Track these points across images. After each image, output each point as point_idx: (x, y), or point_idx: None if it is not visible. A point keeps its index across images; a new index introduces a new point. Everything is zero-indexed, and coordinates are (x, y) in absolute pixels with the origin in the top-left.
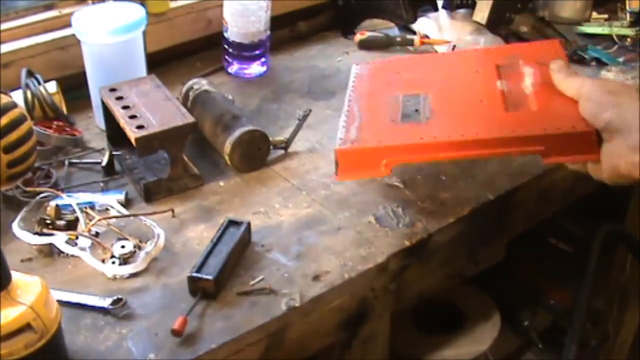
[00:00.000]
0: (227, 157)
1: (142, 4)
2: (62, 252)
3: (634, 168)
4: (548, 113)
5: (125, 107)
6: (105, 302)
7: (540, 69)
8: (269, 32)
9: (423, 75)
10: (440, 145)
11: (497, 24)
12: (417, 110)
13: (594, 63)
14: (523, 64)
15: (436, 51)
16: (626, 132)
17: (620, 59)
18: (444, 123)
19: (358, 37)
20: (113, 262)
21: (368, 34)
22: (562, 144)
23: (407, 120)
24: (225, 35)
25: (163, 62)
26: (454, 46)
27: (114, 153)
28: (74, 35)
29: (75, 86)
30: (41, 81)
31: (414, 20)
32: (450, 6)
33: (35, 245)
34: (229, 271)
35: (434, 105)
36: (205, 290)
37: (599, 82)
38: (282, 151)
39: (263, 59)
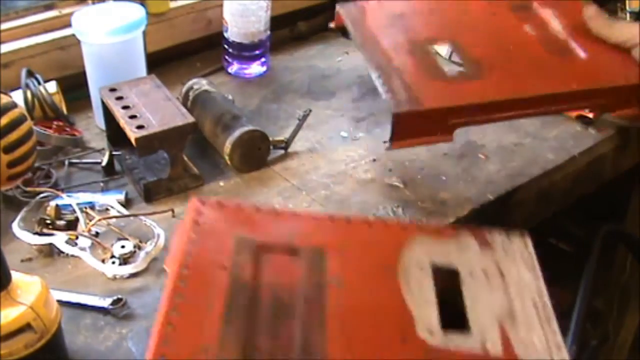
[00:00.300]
0: (227, 157)
1: (142, 4)
2: (62, 252)
3: None
4: (600, 62)
5: (125, 107)
6: (105, 302)
7: (560, 11)
8: (269, 32)
9: (436, 19)
10: (509, 104)
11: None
12: (458, 63)
13: None
14: (538, 6)
15: None
16: None
17: None
18: (501, 77)
19: None
20: (113, 262)
21: None
22: (626, 96)
23: (455, 75)
24: (225, 35)
25: (163, 62)
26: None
27: (114, 153)
28: (74, 35)
29: (75, 86)
30: (41, 81)
31: None
32: None
33: (35, 245)
34: None
35: (472, 56)
36: None
37: None
38: (282, 151)
39: (263, 59)
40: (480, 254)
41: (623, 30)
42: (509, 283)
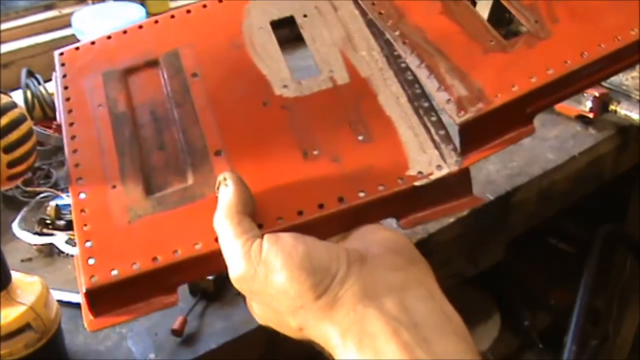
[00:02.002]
0: None
1: (142, 4)
2: (62, 252)
3: None
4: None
5: None
6: None
7: None
8: None
9: None
10: (576, 74)
11: (497, 24)
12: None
13: None
14: None
15: None
16: None
17: None
18: (571, 32)
19: None
20: None
21: None
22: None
23: (515, 40)
24: None
25: None
26: None
27: None
28: (74, 35)
29: None
30: (41, 81)
31: None
32: None
33: (35, 245)
34: None
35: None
36: (205, 290)
37: None
38: None
39: None
40: None
41: None
42: (341, 10)
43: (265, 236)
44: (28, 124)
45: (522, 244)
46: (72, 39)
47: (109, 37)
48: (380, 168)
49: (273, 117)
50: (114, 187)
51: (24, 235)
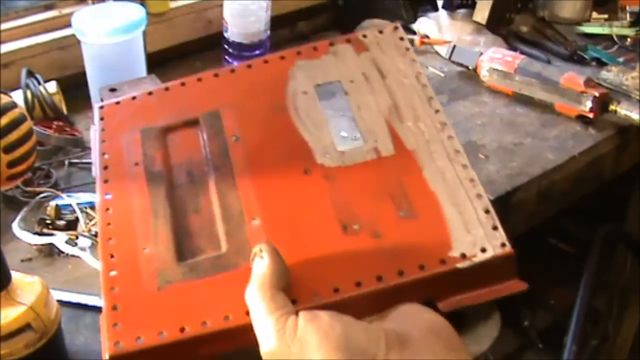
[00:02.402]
0: None
1: (142, 4)
2: (62, 252)
3: None
4: None
5: None
6: None
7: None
8: (269, 32)
9: None
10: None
11: (497, 24)
12: None
13: (594, 63)
14: None
15: (436, 52)
16: None
17: (620, 59)
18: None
19: None
20: None
21: None
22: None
23: None
24: (225, 35)
25: (163, 62)
26: (454, 46)
27: None
28: (74, 35)
29: (75, 86)
30: (41, 81)
31: (414, 20)
32: (450, 6)
33: (35, 245)
34: None
35: None
36: None
37: None
38: None
39: None
40: (358, 59)
41: None
42: (389, 78)
43: (301, 313)
44: (28, 124)
45: (522, 244)
46: (72, 39)
47: (150, 93)
48: (422, 247)
49: (313, 186)
50: (145, 250)
51: (24, 235)
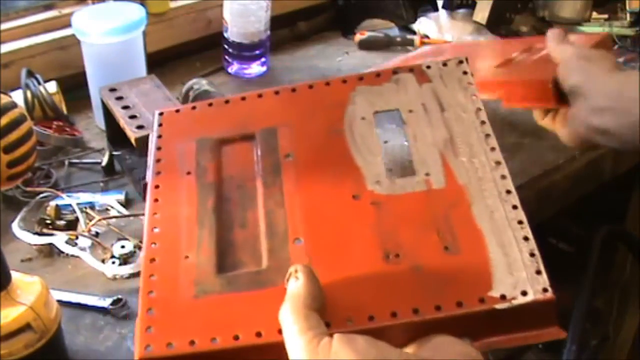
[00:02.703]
0: None
1: (142, 4)
2: (62, 252)
3: (593, 132)
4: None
5: (125, 107)
6: (105, 302)
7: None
8: (269, 32)
9: None
10: None
11: (497, 24)
12: None
13: None
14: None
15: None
16: (588, 97)
17: (620, 59)
18: None
19: (358, 37)
20: (113, 262)
21: (368, 34)
22: (521, 91)
23: None
24: (225, 35)
25: (163, 62)
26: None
27: (114, 153)
28: (74, 35)
29: (75, 86)
30: (41, 81)
31: (414, 20)
32: (450, 6)
33: (35, 245)
34: None
35: None
36: None
37: (579, 49)
38: None
39: (263, 59)
40: (419, 89)
41: (560, 49)
42: (448, 111)
43: (336, 335)
44: (28, 124)
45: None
46: (72, 39)
47: (210, 105)
48: (461, 283)
49: (360, 212)
50: (187, 257)
51: (24, 235)
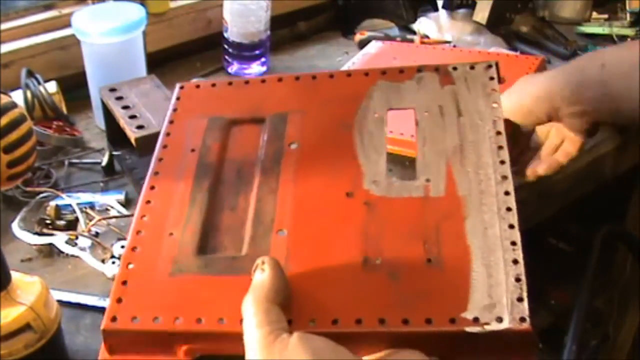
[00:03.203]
0: None
1: (142, 4)
2: (62, 252)
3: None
4: None
5: (125, 107)
6: (105, 302)
7: None
8: (269, 32)
9: None
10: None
11: (497, 24)
12: None
13: None
14: None
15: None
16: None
17: None
18: None
19: (358, 37)
20: (113, 262)
21: (368, 34)
22: None
23: None
24: (225, 35)
25: (163, 62)
26: (454, 47)
27: (114, 153)
28: (74, 35)
29: (75, 86)
30: (41, 81)
31: (414, 20)
32: (450, 6)
33: (35, 245)
34: None
35: None
36: None
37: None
38: None
39: (263, 59)
40: (440, 91)
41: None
42: (464, 117)
43: (296, 333)
44: (28, 124)
45: (522, 244)
46: (72, 39)
47: (230, 83)
48: (436, 300)
49: (351, 210)
50: (171, 234)
51: (24, 235)
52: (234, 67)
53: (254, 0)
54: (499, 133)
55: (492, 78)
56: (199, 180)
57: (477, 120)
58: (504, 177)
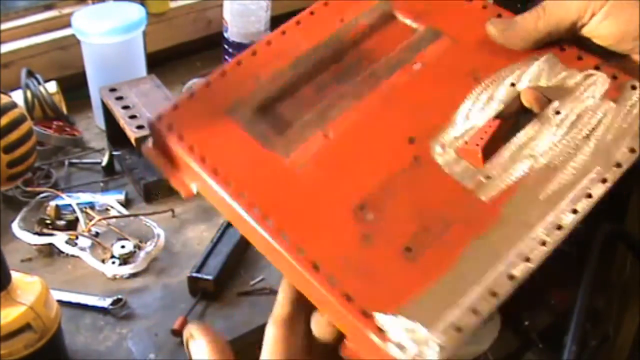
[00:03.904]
0: None
1: (142, 4)
2: (62, 252)
3: None
4: None
5: (125, 107)
6: (105, 302)
7: None
8: (268, 32)
9: None
10: None
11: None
12: None
13: None
14: None
15: None
16: None
17: None
18: None
19: None
20: (113, 262)
21: None
22: None
23: None
24: (225, 35)
25: (163, 62)
26: None
27: (114, 153)
28: (74, 35)
29: (75, 86)
30: (41, 81)
31: None
32: None
33: (35, 245)
34: (229, 271)
35: None
36: (205, 291)
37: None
38: None
39: None
40: (598, 101)
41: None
42: (590, 143)
43: None
44: (28, 124)
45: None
46: (72, 39)
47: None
48: (377, 284)
49: (394, 156)
50: (257, 78)
51: (24, 235)
52: None
53: (254, 0)
54: (603, 182)
55: None
56: (317, 50)
57: (596, 156)
58: (559, 227)
